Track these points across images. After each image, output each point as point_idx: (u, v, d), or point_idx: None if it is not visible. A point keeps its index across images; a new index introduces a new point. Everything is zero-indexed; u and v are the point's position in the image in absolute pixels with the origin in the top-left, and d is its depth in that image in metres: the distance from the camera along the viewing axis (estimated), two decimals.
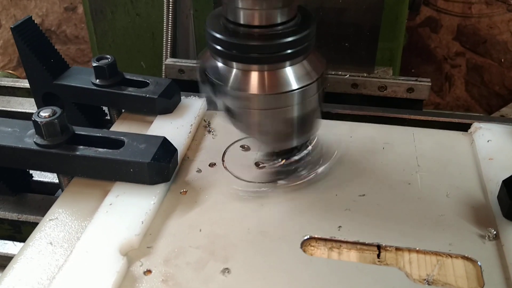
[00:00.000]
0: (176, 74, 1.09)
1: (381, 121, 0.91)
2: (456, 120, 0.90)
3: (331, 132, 0.83)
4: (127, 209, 0.66)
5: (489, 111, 2.36)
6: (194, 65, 1.08)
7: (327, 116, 0.93)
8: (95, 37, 1.34)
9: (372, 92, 1.07)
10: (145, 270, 0.60)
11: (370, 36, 1.06)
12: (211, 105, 0.72)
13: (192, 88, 1.00)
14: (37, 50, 0.84)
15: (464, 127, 0.87)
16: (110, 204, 0.67)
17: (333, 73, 1.04)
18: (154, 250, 0.63)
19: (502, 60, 2.25)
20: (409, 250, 0.63)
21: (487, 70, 2.30)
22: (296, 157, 0.74)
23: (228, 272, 0.60)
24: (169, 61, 1.09)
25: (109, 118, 0.92)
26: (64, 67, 0.89)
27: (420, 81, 1.04)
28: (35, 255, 0.62)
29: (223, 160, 0.78)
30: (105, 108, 0.94)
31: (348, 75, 1.06)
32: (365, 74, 1.06)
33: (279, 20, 0.62)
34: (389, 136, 0.83)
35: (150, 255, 0.62)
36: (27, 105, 0.99)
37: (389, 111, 0.95)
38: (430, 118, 0.92)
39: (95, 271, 0.58)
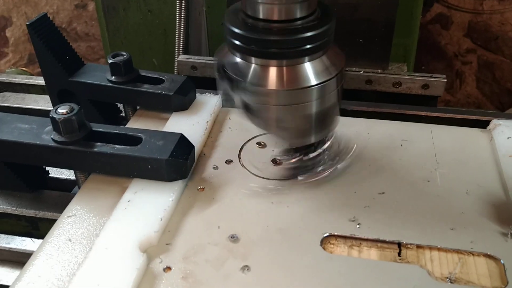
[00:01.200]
0: (189, 71, 1.09)
1: (397, 118, 0.90)
2: (474, 117, 0.89)
3: (348, 129, 0.82)
4: (145, 205, 0.66)
5: (501, 109, 2.34)
6: (207, 61, 1.08)
7: (342, 113, 0.92)
8: (107, 34, 1.34)
9: (387, 89, 1.06)
10: (165, 267, 0.60)
11: (385, 32, 1.05)
12: (228, 101, 0.71)
13: (205, 85, 1.00)
14: (52, 47, 0.84)
15: (481, 124, 0.86)
16: (129, 201, 0.67)
17: (347, 69, 1.04)
18: (173, 247, 0.62)
19: None
20: (430, 247, 0.62)
21: (498, 67, 2.28)
22: (314, 154, 0.73)
23: (247, 269, 0.59)
24: (182, 57, 1.08)
25: (124, 115, 0.92)
26: (79, 64, 0.89)
27: (435, 78, 1.03)
28: (54, 252, 0.62)
29: (239, 157, 0.77)
30: (120, 105, 0.94)
31: (362, 72, 1.05)
32: (379, 71, 1.05)
33: (298, 15, 0.62)
34: (407, 133, 0.82)
35: (169, 252, 0.62)
36: (42, 102, 0.99)
37: (406, 108, 0.94)
38: (446, 115, 0.91)
39: (115, 268, 0.58)
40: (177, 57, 1.22)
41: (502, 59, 2.26)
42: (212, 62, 1.07)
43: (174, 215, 0.67)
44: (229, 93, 0.69)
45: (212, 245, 0.63)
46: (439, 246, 0.62)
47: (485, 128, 0.83)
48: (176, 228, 0.65)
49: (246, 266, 0.60)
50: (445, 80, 1.02)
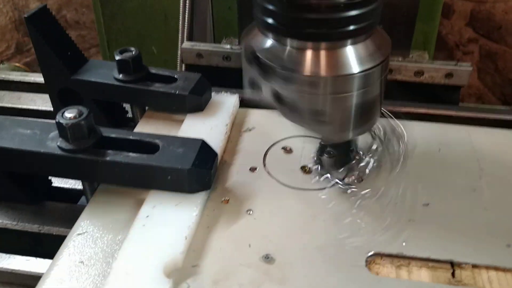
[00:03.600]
0: (194, 59, 1.01)
1: (425, 119, 0.84)
2: (508, 117, 0.83)
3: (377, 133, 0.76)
4: (166, 222, 0.59)
5: (503, 100, 2.30)
6: (214, 49, 1.00)
7: None
8: (102, 20, 1.25)
9: (408, 78, 1.00)
10: None
11: (407, 17, 0.99)
12: (254, 94, 0.63)
13: (211, 74, 0.92)
14: (53, 42, 0.76)
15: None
16: (147, 216, 0.59)
17: None
18: (200, 270, 0.55)
19: None
20: (487, 267, 0.56)
21: (501, 57, 2.23)
22: (363, 163, 0.67)
23: None
24: (186, 44, 1.01)
25: (130, 116, 0.84)
26: (82, 61, 0.81)
27: (460, 66, 0.96)
28: (66, 276, 0.55)
29: (264, 164, 0.70)
30: (126, 105, 0.86)
31: None
32: (400, 59, 0.99)
33: None
34: (443, 136, 0.75)
35: (196, 275, 0.55)
36: (40, 102, 0.90)
37: (435, 107, 0.88)
38: (478, 115, 0.86)
39: None
40: (181, 44, 1.14)
41: (505, 49, 2.21)
42: (219, 50, 0.99)
43: (198, 232, 0.60)
44: (257, 83, 0.61)
45: (244, 267, 0.56)
46: (496, 266, 0.56)
47: None
48: (202, 247, 0.58)
49: None
50: (471, 69, 0.96)
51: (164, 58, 1.30)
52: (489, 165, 0.70)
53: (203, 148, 0.64)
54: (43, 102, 0.90)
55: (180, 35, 1.20)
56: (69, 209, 0.69)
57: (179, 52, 1.18)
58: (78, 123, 0.60)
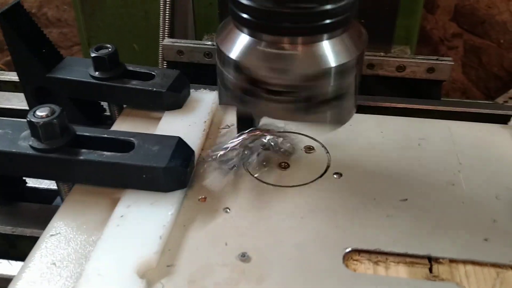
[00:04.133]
0: (175, 56, 1.00)
1: (406, 113, 0.83)
2: (490, 111, 0.83)
3: (358, 127, 0.75)
4: (141, 221, 0.58)
5: (487, 94, 2.31)
6: (195, 45, 0.99)
7: None
8: (82, 16, 1.23)
9: (389, 73, 0.99)
10: None
11: (389, 12, 0.98)
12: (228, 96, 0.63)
13: (192, 71, 0.91)
14: (27, 39, 0.74)
15: (497, 119, 0.80)
16: (121, 216, 0.58)
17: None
18: (175, 270, 0.55)
19: (502, 41, 2.19)
20: (464, 262, 0.56)
21: (485, 51, 2.24)
22: None
23: None
24: (167, 41, 0.99)
25: (109, 114, 0.83)
26: (58, 58, 0.79)
27: (441, 60, 0.96)
28: (38, 279, 0.53)
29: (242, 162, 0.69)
30: (104, 103, 0.85)
31: None
32: (382, 54, 0.99)
33: None
34: (423, 130, 0.75)
35: (171, 275, 0.54)
36: (16, 101, 0.89)
37: (415, 102, 0.87)
38: (459, 109, 0.85)
39: None
40: (162, 41, 1.12)
41: (489, 44, 2.21)
42: (200, 46, 0.98)
43: (173, 231, 0.59)
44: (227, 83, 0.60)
45: (220, 266, 0.55)
46: (474, 260, 0.56)
47: (505, 123, 0.77)
48: (178, 246, 0.57)
49: None
50: (452, 63, 0.96)
51: (145, 55, 1.29)
52: (468, 160, 0.69)
53: (180, 145, 0.63)
54: (18, 101, 0.88)
55: (161, 32, 1.19)
56: (43, 209, 0.68)
57: (160, 49, 1.17)
58: (50, 121, 0.59)
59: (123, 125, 0.76)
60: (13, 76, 0.92)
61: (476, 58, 2.27)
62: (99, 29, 1.28)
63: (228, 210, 0.62)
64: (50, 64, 0.77)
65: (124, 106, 0.80)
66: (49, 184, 0.73)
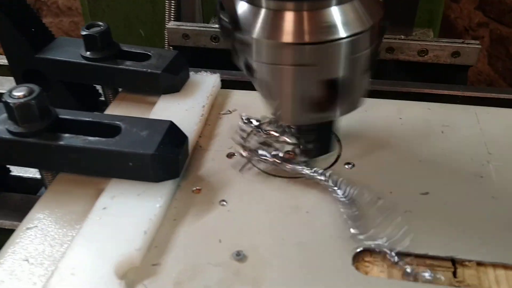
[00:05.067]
0: (180, 40, 0.94)
1: (428, 99, 0.75)
2: None
3: (376, 113, 0.68)
4: (125, 214, 0.52)
5: None
6: (201, 28, 0.93)
7: None
8: (87, 2, 1.18)
9: (411, 58, 0.92)
10: None
11: None
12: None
13: (199, 56, 0.84)
14: (14, 18, 0.69)
15: None
16: (104, 208, 0.52)
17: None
18: (161, 269, 0.48)
19: None
20: (494, 265, 0.48)
21: None
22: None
23: None
24: (172, 24, 0.94)
25: (104, 99, 0.77)
26: (49, 38, 0.74)
27: (467, 44, 0.88)
28: (7, 278, 0.48)
29: (244, 150, 0.62)
30: (100, 87, 0.79)
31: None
32: (402, 37, 0.91)
33: None
34: (446, 117, 0.67)
35: (156, 275, 0.48)
36: (8, 85, 0.83)
37: (438, 87, 0.79)
38: (487, 95, 0.77)
39: None
40: (167, 24, 1.06)
41: None
42: (206, 29, 0.93)
43: (163, 226, 0.53)
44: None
45: (212, 266, 0.48)
46: (505, 264, 0.48)
47: None
48: (166, 242, 0.51)
49: None
50: (480, 47, 0.88)
51: (152, 41, 1.23)
52: (498, 149, 0.61)
53: (171, 130, 0.56)
54: (11, 85, 0.82)
55: (166, 15, 1.13)
56: (25, 200, 0.62)
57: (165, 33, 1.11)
58: (27, 102, 0.53)
59: (116, 110, 0.70)
60: (4, 59, 0.87)
61: (503, 48, 2.16)
62: (105, 14, 1.23)
63: (224, 203, 0.55)
64: (40, 44, 0.72)
65: (120, 90, 0.74)
66: (35, 173, 0.67)
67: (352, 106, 0.54)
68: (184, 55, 0.72)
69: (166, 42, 1.11)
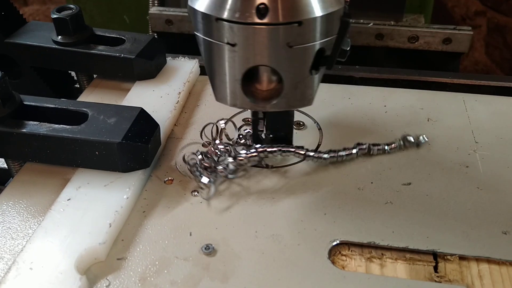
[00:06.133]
0: (163, 26, 0.91)
1: (416, 86, 0.73)
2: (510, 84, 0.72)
3: (360, 100, 0.65)
4: (90, 206, 0.49)
5: None
6: (185, 14, 0.90)
7: (349, 81, 0.75)
8: None
9: (401, 44, 0.90)
10: None
11: None
12: None
13: (183, 43, 0.81)
14: None
15: None
16: (68, 200, 0.50)
17: (353, 21, 0.86)
18: (127, 264, 0.46)
19: None
20: (478, 259, 0.46)
21: (511, 30, 2.10)
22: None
23: None
24: (154, 10, 0.91)
25: (79, 86, 0.74)
26: (20, 22, 0.70)
27: (459, 30, 0.86)
28: None
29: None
30: (74, 74, 0.76)
31: (371, 24, 0.88)
32: (392, 23, 0.88)
33: None
34: (433, 104, 0.65)
35: (121, 270, 0.45)
36: None
37: (427, 74, 0.76)
38: (477, 82, 0.74)
39: None
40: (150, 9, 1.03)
41: None
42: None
43: (130, 218, 0.50)
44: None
45: (180, 260, 0.46)
46: (489, 257, 0.45)
47: None
48: (133, 236, 0.48)
49: None
50: (471, 33, 0.85)
51: (136, 27, 1.20)
52: (486, 138, 0.59)
53: (141, 118, 0.54)
54: None
55: (150, 1, 1.10)
56: None
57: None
58: None
59: (89, 97, 0.67)
60: None
61: (501, 37, 2.13)
62: (88, 0, 1.19)
63: (197, 193, 0.53)
64: (10, 29, 0.68)
65: (95, 76, 0.71)
66: (3, 162, 0.64)
67: (292, 103, 0.50)
68: (168, 42, 0.70)
69: (150, 29, 1.08)
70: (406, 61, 0.97)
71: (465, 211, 0.50)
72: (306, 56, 0.46)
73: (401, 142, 0.57)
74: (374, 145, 0.56)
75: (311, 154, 0.54)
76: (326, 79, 0.71)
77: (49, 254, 0.44)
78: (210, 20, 0.45)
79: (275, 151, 0.54)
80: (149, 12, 1.00)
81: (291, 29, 0.43)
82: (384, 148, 0.56)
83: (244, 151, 0.54)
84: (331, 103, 0.65)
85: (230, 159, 0.53)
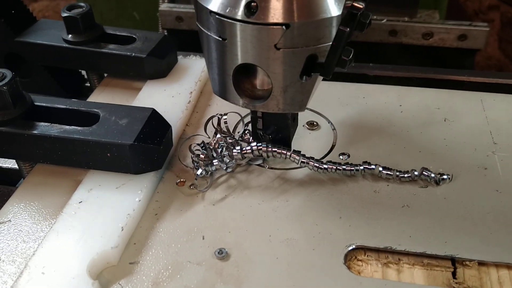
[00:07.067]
0: (174, 23, 0.91)
1: (432, 85, 0.71)
2: None
3: (376, 100, 0.64)
4: (102, 209, 0.48)
5: None
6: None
7: (363, 79, 0.74)
8: None
9: (415, 41, 0.88)
10: None
11: None
12: None
13: (194, 40, 0.80)
14: None
15: None
16: (80, 202, 0.49)
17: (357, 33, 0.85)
18: (139, 268, 0.45)
19: None
20: (497, 265, 0.45)
21: None
22: None
23: None
24: (165, 6, 0.90)
25: (89, 85, 0.73)
26: (30, 21, 0.70)
27: (475, 26, 0.84)
28: None
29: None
30: (85, 73, 0.75)
31: (385, 20, 0.86)
32: (406, 19, 0.87)
33: None
34: (450, 104, 0.63)
35: (134, 274, 0.44)
36: None
37: (442, 72, 0.75)
38: (495, 81, 0.72)
39: None
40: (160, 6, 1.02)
41: None
42: None
43: (143, 221, 0.49)
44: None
45: (193, 265, 0.45)
46: (509, 263, 0.44)
47: None
48: (145, 239, 0.48)
49: None
50: (488, 29, 0.84)
51: (146, 24, 1.19)
52: (504, 139, 0.57)
53: (153, 119, 0.53)
54: None
55: None
56: (4, 192, 0.59)
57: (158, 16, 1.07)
58: None
59: (99, 96, 0.66)
60: None
61: None
62: None
63: (210, 196, 0.52)
64: (20, 27, 0.68)
65: (105, 75, 0.71)
66: (14, 163, 0.64)
67: (281, 106, 0.48)
68: (178, 39, 0.69)
69: (160, 27, 1.07)
70: (420, 58, 0.95)
71: (484, 215, 0.48)
72: (294, 60, 0.44)
73: (417, 174, 0.52)
74: (385, 168, 0.52)
75: (304, 161, 0.52)
76: (339, 78, 0.70)
77: (61, 259, 0.44)
78: (206, 13, 0.44)
79: (268, 151, 0.53)
80: (159, 9, 1.00)
81: (278, 31, 0.42)
82: (397, 175, 0.52)
83: (239, 147, 0.53)
84: (345, 103, 0.64)
85: (226, 153, 0.53)
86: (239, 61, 0.45)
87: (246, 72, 0.48)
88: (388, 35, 0.89)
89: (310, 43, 0.43)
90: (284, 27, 0.42)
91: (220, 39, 0.45)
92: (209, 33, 0.46)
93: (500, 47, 2.15)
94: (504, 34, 2.12)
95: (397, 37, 0.90)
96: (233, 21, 0.43)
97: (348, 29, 0.42)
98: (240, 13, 0.42)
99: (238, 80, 0.48)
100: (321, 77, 0.47)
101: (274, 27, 0.42)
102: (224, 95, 0.50)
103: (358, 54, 0.50)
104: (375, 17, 0.87)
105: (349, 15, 0.43)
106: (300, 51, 0.44)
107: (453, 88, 0.69)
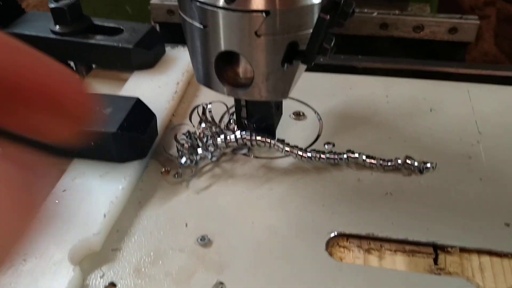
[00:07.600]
0: (165, 17, 0.90)
1: (421, 76, 0.71)
2: None
3: (362, 91, 0.64)
4: (85, 197, 0.48)
5: None
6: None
7: (351, 71, 0.74)
8: None
9: (406, 34, 0.88)
10: (107, 283, 0.43)
11: None
12: None
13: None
14: None
15: None
16: (64, 191, 0.49)
17: (357, 10, 0.85)
18: (121, 255, 0.45)
19: None
20: (479, 251, 0.45)
21: None
22: None
23: None
24: (156, 0, 0.90)
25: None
26: (18, 12, 0.70)
27: (465, 19, 0.84)
28: None
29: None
30: (73, 64, 0.75)
31: (375, 13, 0.86)
32: (397, 12, 0.87)
33: None
34: (436, 94, 0.63)
35: (115, 261, 0.44)
36: None
37: (431, 64, 0.75)
38: (483, 72, 0.73)
39: None
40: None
41: None
42: None
43: (126, 209, 0.49)
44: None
45: (176, 251, 0.45)
46: (491, 249, 0.44)
47: None
48: (128, 227, 0.48)
49: (221, 283, 0.42)
50: (478, 23, 0.84)
51: (139, 18, 1.19)
52: (489, 129, 0.58)
53: (137, 108, 0.53)
54: None
55: None
56: None
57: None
58: None
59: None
60: None
61: (510, 28, 2.10)
62: None
63: (195, 185, 0.52)
64: (8, 19, 0.68)
65: (94, 66, 0.71)
66: None
67: (264, 94, 0.48)
68: (170, 32, 0.69)
69: (152, 20, 1.07)
70: (411, 51, 0.95)
71: (467, 203, 0.48)
72: (275, 47, 0.44)
73: (401, 163, 0.52)
74: (368, 157, 0.52)
75: (288, 149, 0.52)
76: (328, 70, 0.70)
77: (43, 246, 0.44)
78: (188, 0, 0.44)
79: (252, 140, 0.53)
80: (151, 2, 0.99)
81: (258, 18, 0.42)
82: (380, 164, 0.52)
83: (223, 136, 0.53)
84: (332, 94, 0.64)
85: (210, 141, 0.53)
86: (221, 49, 0.45)
87: (229, 60, 0.48)
88: (379, 28, 0.89)
89: (291, 30, 0.43)
90: (264, 14, 0.42)
91: (202, 26, 0.45)
92: (191, 21, 0.46)
93: (497, 43, 2.15)
94: (500, 30, 2.12)
95: (388, 30, 0.90)
96: (214, 8, 0.43)
97: (329, 16, 0.42)
98: (221, 0, 0.43)
99: (220, 69, 0.48)
100: (304, 65, 0.47)
101: (254, 14, 0.42)
102: (207, 83, 0.50)
103: (349, 48, 0.50)
104: (365, 10, 0.87)
105: (330, 3, 0.43)
106: (281, 38, 0.44)
107: (442, 79, 0.70)
